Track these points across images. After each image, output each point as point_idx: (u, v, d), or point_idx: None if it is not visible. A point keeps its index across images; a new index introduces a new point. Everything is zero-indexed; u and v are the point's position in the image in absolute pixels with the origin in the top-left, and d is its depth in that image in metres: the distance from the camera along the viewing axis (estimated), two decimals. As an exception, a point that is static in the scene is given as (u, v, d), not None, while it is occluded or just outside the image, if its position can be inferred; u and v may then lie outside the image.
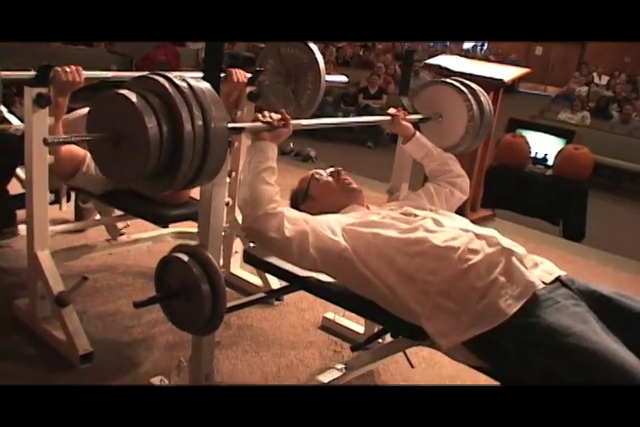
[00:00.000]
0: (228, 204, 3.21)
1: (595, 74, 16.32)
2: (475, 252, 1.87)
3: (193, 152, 1.58)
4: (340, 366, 2.39)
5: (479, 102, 2.54)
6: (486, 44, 21.47)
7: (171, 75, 1.63)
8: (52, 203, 3.41)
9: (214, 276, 1.88)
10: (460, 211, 4.68)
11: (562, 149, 6.16)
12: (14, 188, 3.43)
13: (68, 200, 3.74)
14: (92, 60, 9.55)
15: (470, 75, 4.63)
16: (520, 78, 6.62)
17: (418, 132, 2.46)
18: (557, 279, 1.86)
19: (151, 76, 1.63)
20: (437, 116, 2.59)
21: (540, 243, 4.87)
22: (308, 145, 6.90)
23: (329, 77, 2.98)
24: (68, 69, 2.49)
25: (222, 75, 2.97)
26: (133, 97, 1.56)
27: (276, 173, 1.98)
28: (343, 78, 3.54)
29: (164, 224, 2.77)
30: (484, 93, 2.60)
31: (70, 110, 3.00)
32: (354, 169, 6.58)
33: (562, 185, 5.81)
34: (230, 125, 1.75)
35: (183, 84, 1.60)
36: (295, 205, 2.34)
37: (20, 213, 3.67)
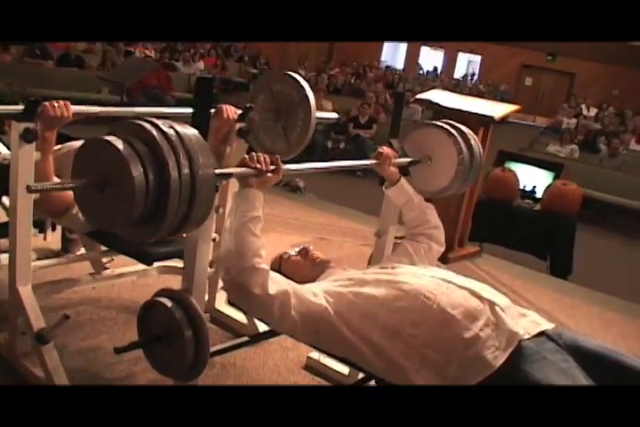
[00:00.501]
0: (214, 240, 3.19)
1: (583, 106, 16.45)
2: (456, 302, 1.85)
3: (179, 200, 1.56)
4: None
5: (469, 146, 2.54)
6: (476, 75, 21.68)
7: (158, 121, 1.61)
8: (38, 232, 3.39)
9: (198, 322, 1.86)
10: (448, 246, 4.70)
11: (550, 185, 6.19)
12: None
13: (54, 229, 3.71)
14: (84, 84, 9.59)
15: (460, 111, 4.66)
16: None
17: (403, 179, 2.45)
18: (544, 333, 1.83)
19: (138, 122, 1.61)
20: (427, 158, 2.58)
21: (527, 279, 4.87)
22: (296, 175, 6.89)
23: (319, 114, 2.97)
24: (56, 104, 2.46)
25: (212, 110, 2.97)
26: (119, 144, 1.54)
27: (261, 222, 1.93)
28: (333, 115, 3.53)
29: (150, 262, 2.74)
30: (474, 136, 2.60)
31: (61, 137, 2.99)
32: (342, 201, 6.63)
33: (550, 220, 5.82)
34: (217, 171, 1.73)
35: (170, 131, 1.58)
36: None
37: (3, 242, 3.64)
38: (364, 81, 14.96)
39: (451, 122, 2.60)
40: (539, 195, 6.57)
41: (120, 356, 2.86)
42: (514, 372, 1.71)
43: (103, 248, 3.04)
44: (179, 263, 2.93)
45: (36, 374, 2.57)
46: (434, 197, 2.62)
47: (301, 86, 2.82)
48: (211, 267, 3.24)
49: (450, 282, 1.94)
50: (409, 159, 2.55)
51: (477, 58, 21.54)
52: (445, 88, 9.15)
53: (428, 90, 5.66)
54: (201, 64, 13.47)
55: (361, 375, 2.36)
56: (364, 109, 9.98)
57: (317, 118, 2.85)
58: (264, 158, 1.93)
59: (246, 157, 1.94)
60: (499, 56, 19.93)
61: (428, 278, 1.96)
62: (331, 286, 2.00)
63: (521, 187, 6.49)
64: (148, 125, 1.59)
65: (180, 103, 10.92)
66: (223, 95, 13.57)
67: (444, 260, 4.86)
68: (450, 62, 22.04)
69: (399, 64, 22.82)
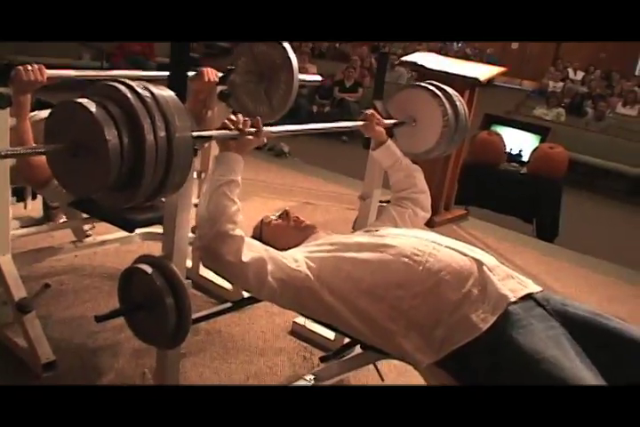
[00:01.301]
0: (196, 205, 3.14)
1: (570, 69, 16.37)
2: (443, 263, 1.82)
3: (155, 164, 1.51)
4: (308, 377, 2.35)
5: (454, 107, 2.50)
6: (463, 38, 21.44)
7: (133, 83, 1.55)
8: (17, 201, 3.33)
9: (179, 289, 1.82)
10: (434, 209, 4.69)
11: (537, 148, 6.16)
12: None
13: (34, 198, 3.65)
14: (65, 50, 9.39)
15: (446, 73, 4.60)
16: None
17: (390, 140, 2.41)
18: (532, 297, 1.80)
19: (112, 84, 1.55)
20: (411, 120, 2.55)
21: (513, 242, 4.88)
22: (281, 140, 6.82)
23: (302, 77, 2.91)
24: (29, 68, 2.39)
25: (193, 73, 2.90)
26: (92, 107, 1.48)
27: (239, 187, 1.87)
28: (317, 77, 3.47)
29: (132, 229, 2.69)
30: (460, 98, 2.56)
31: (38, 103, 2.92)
32: (328, 165, 6.57)
33: (536, 184, 5.81)
34: (195, 134, 1.67)
35: (145, 93, 1.52)
36: None
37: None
38: (348, 44, 14.79)
39: (435, 83, 2.56)
40: (525, 158, 6.54)
41: (104, 324, 2.82)
42: (499, 336, 1.68)
43: (85, 216, 3.00)
44: (161, 229, 2.90)
45: (18, 344, 2.54)
46: (419, 160, 2.58)
47: (283, 48, 2.76)
48: (193, 233, 3.20)
49: (435, 242, 1.90)
50: (393, 121, 2.51)
51: (464, 21, 21.31)
52: (430, 51, 9.03)
53: (412, 52, 5.56)
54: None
55: (347, 340, 2.35)
56: (350, 73, 9.88)
57: (300, 81, 2.79)
58: (244, 120, 1.88)
59: (226, 120, 1.88)
60: (485, 19, 19.71)
61: (413, 240, 1.92)
62: (313, 251, 1.95)
63: (507, 150, 6.46)
64: (122, 87, 1.53)
65: (162, 68, 10.74)
66: (207, 60, 13.39)
67: (430, 223, 4.83)
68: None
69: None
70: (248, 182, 5.76)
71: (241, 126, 1.87)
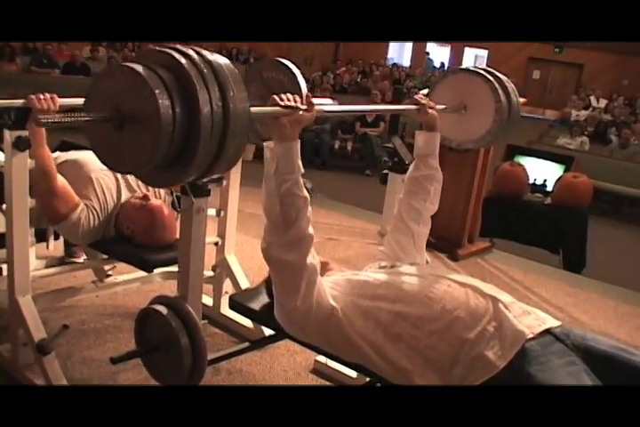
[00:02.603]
0: (217, 244, 3.15)
1: (592, 97, 16.30)
2: (458, 301, 1.79)
3: (210, 138, 1.36)
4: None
5: (507, 93, 2.39)
6: (484, 69, 21.53)
7: (187, 49, 1.41)
8: (39, 241, 3.35)
9: (194, 329, 1.81)
10: (457, 243, 4.62)
11: (560, 178, 6.10)
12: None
13: (57, 238, 3.67)
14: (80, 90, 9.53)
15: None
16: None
17: (438, 132, 2.30)
18: (550, 332, 1.76)
19: (164, 49, 1.40)
20: (462, 106, 2.43)
21: (539, 274, 4.80)
22: (304, 176, 6.83)
23: (315, 101, 2.94)
24: (42, 97, 2.42)
25: None
26: (144, 72, 1.33)
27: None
28: (328, 101, 3.50)
29: (149, 269, 2.69)
30: (511, 84, 2.45)
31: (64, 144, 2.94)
32: (351, 200, 6.56)
33: (561, 214, 5.73)
34: (252, 109, 1.52)
35: (201, 60, 1.38)
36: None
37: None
38: (370, 79, 14.89)
39: (486, 68, 2.47)
40: (549, 188, 6.49)
41: (124, 364, 2.83)
42: (518, 375, 1.65)
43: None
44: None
45: (38, 386, 2.53)
46: (464, 148, 2.47)
47: (291, 72, 2.80)
48: (213, 271, 3.20)
49: (450, 280, 1.87)
50: (443, 106, 2.38)
51: (484, 52, 21.38)
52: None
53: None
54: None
55: (368, 379, 2.31)
56: (370, 108, 9.90)
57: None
58: (293, 97, 1.78)
59: (275, 96, 1.76)
60: (505, 50, 19.76)
61: (428, 277, 1.90)
62: (332, 288, 1.94)
63: (531, 181, 6.41)
64: (175, 53, 1.38)
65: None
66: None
67: (453, 257, 4.80)
68: (457, 58, 21.86)
69: (406, 61, 22.72)
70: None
71: (292, 102, 1.76)
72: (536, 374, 1.62)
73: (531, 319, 1.78)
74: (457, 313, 1.75)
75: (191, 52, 1.38)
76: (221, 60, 1.42)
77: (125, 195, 2.79)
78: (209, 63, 1.38)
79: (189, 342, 1.79)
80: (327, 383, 2.85)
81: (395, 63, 20.88)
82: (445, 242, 4.76)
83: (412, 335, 1.76)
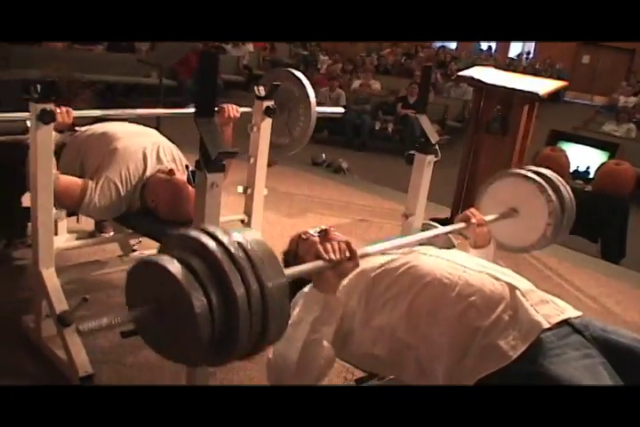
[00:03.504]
0: (243, 221, 3.13)
1: (643, 83, 15.91)
2: (474, 287, 1.73)
3: (250, 319, 1.32)
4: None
5: (560, 197, 2.31)
6: (532, 53, 21.14)
7: (216, 231, 1.36)
8: (69, 215, 3.39)
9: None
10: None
11: (602, 165, 5.95)
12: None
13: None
14: (133, 68, 9.55)
15: (504, 88, 4.50)
16: (563, 88, 6.43)
17: (491, 243, 2.24)
18: (568, 323, 1.70)
19: (194, 235, 1.35)
20: (512, 212, 2.36)
21: (574, 263, 4.69)
22: (340, 155, 6.79)
23: (322, 109, 3.10)
24: (57, 111, 2.44)
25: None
26: (173, 267, 1.30)
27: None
28: (339, 110, 3.51)
29: (171, 244, 2.69)
30: (564, 183, 2.38)
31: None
32: (386, 182, 6.50)
33: (602, 202, 5.60)
34: (288, 273, 1.48)
35: (230, 241, 1.35)
36: (287, 265, 2.18)
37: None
38: (414, 61, 14.72)
39: (533, 168, 2.41)
40: (591, 175, 6.35)
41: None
42: (530, 366, 1.59)
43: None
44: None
45: (59, 357, 2.56)
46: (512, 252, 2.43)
47: (301, 83, 2.86)
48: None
49: (466, 266, 1.82)
50: (495, 216, 2.33)
51: (533, 36, 20.99)
52: (498, 67, 8.88)
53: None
54: (250, 46, 13.42)
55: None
56: (413, 89, 9.76)
57: (320, 113, 3.03)
58: (339, 247, 1.70)
59: (319, 248, 1.70)
60: (555, 33, 19.35)
61: (443, 261, 1.84)
62: (348, 284, 1.87)
63: (574, 167, 6.28)
64: (204, 239, 1.34)
65: (228, 85, 10.91)
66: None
67: (487, 242, 4.72)
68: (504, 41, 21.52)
69: (452, 43, 22.41)
70: (303, 198, 5.80)
71: (334, 255, 1.68)
72: (549, 367, 1.56)
73: (549, 308, 1.72)
74: (472, 300, 1.70)
75: (221, 236, 1.34)
76: (251, 236, 1.38)
77: (152, 166, 2.79)
78: (240, 245, 1.34)
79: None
80: (347, 365, 2.80)
81: (442, 45, 20.60)
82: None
83: (427, 323, 1.72)
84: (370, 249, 1.80)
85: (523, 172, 2.36)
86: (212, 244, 1.32)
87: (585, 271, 4.52)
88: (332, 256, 1.66)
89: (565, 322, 1.69)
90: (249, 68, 12.58)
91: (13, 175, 3.00)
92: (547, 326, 1.65)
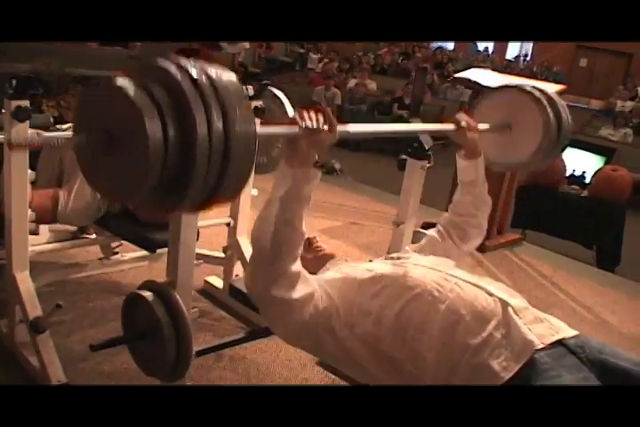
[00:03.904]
0: (229, 224, 3.03)
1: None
2: (465, 301, 1.63)
3: (208, 164, 1.19)
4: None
5: (557, 115, 2.19)
6: (529, 55, 21.05)
7: (187, 63, 1.24)
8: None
9: (180, 318, 1.70)
10: (487, 234, 4.46)
11: (599, 170, 5.87)
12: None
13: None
14: (125, 64, 9.44)
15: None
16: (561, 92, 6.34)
17: (481, 155, 2.11)
18: (563, 344, 1.59)
19: (161, 64, 1.24)
20: (507, 126, 2.25)
21: (569, 271, 4.60)
22: (333, 156, 6.66)
23: None
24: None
25: None
26: (132, 91, 1.19)
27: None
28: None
29: (153, 249, 2.59)
30: (563, 104, 2.25)
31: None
32: (380, 184, 6.39)
33: (598, 208, 5.51)
34: (259, 130, 1.33)
35: (201, 76, 1.22)
36: None
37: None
38: (411, 61, 14.62)
39: (534, 84, 2.30)
40: (587, 180, 6.27)
41: (125, 346, 2.75)
42: None
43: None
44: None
45: (32, 364, 2.47)
46: (505, 171, 2.32)
47: (277, 97, 2.93)
48: (224, 252, 3.10)
49: (459, 278, 1.72)
50: (487, 126, 2.21)
51: (531, 38, 20.94)
52: (496, 69, 8.78)
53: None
54: (246, 43, 13.29)
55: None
56: (409, 90, 9.69)
57: None
58: (316, 115, 1.62)
59: (295, 114, 1.63)
60: (553, 36, 19.29)
61: (435, 273, 1.74)
62: (332, 284, 1.79)
63: (569, 172, 6.19)
64: (173, 68, 1.22)
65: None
66: (268, 75, 13.45)
67: (480, 248, 4.61)
68: (501, 42, 21.41)
69: (450, 44, 22.30)
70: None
71: (313, 122, 1.60)
72: None
73: (543, 328, 1.61)
74: (462, 314, 1.60)
75: (191, 68, 1.22)
76: (225, 75, 1.26)
77: None
78: (210, 80, 1.22)
79: (175, 333, 1.68)
80: (332, 376, 2.72)
81: (440, 46, 20.48)
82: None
83: (415, 337, 1.62)
84: (351, 128, 1.73)
85: (524, 87, 2.24)
86: (177, 72, 1.20)
87: (580, 280, 4.42)
88: (309, 124, 1.58)
89: (560, 342, 1.58)
90: (244, 65, 12.48)
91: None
92: (540, 346, 1.54)
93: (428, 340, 1.61)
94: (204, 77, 1.21)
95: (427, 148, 2.31)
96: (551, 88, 4.61)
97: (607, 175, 5.61)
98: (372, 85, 10.69)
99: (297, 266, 1.66)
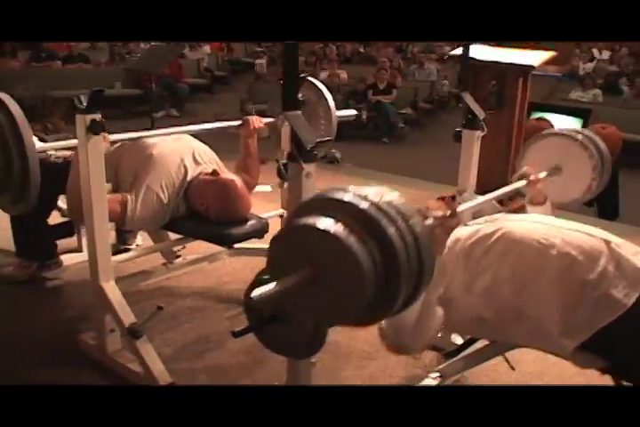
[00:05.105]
0: (282, 216, 3.14)
1: (595, 49, 16.11)
2: (572, 244, 1.78)
3: (409, 276, 1.30)
4: (434, 374, 2.30)
5: (601, 155, 2.51)
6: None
7: (390, 210, 1.29)
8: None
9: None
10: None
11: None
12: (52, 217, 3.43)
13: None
14: (95, 80, 9.39)
15: (497, 63, 4.56)
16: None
17: (548, 200, 2.35)
18: None
19: (370, 213, 1.28)
20: (558, 170, 2.52)
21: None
22: (332, 146, 6.79)
23: (340, 113, 3.23)
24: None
25: (239, 122, 2.97)
26: (344, 235, 1.25)
27: None
28: (352, 112, 3.68)
29: (230, 245, 2.69)
30: (602, 141, 2.58)
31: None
32: (377, 167, 6.53)
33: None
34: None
35: (403, 228, 1.29)
36: None
37: (68, 242, 3.61)
38: (372, 48, 14.72)
39: (576, 129, 2.59)
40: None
41: (206, 343, 2.85)
42: None
43: (173, 237, 3.00)
44: (249, 244, 2.91)
45: (133, 370, 2.53)
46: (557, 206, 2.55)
47: (319, 89, 3.05)
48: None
49: (558, 226, 1.88)
50: (545, 173, 2.45)
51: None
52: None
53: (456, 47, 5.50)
54: (207, 48, 13.35)
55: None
56: (382, 75, 9.80)
57: (340, 117, 3.18)
58: (437, 203, 1.85)
59: (425, 208, 1.80)
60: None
61: (535, 224, 1.90)
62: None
63: (557, 135, 6.37)
64: (384, 222, 1.28)
65: (193, 89, 10.83)
66: (234, 76, 13.49)
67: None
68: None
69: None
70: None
71: (440, 211, 1.77)
72: None
73: None
74: (573, 255, 1.75)
75: (398, 221, 1.30)
76: (413, 219, 1.33)
77: (192, 169, 2.78)
78: (413, 233, 1.31)
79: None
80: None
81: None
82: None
83: (534, 282, 1.77)
84: (463, 207, 1.95)
85: (562, 131, 2.52)
86: (389, 227, 1.28)
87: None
88: (436, 213, 1.74)
89: None
90: (209, 69, 12.52)
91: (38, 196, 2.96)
92: None
93: (548, 283, 1.75)
94: (406, 230, 1.29)
95: (481, 118, 2.45)
96: (544, 55, 4.80)
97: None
98: (344, 75, 10.78)
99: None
